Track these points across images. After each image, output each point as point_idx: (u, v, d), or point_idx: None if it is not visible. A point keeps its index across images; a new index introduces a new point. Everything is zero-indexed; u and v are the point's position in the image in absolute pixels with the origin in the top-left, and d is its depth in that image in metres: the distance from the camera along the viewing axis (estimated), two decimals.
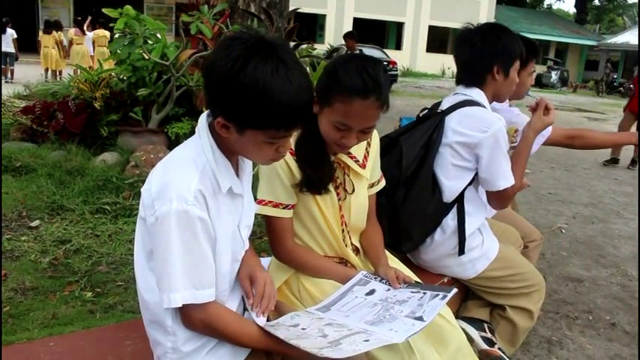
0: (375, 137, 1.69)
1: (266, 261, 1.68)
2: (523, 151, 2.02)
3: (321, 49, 12.30)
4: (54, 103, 5.09)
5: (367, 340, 1.21)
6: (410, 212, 1.93)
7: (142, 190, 1.17)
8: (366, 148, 1.64)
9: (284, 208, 1.52)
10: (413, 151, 1.93)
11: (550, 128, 2.27)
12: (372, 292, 1.50)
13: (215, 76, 1.06)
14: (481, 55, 1.92)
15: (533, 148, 2.21)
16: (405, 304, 1.42)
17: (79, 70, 5.78)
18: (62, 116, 4.81)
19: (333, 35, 24.08)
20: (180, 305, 1.11)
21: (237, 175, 1.23)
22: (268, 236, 1.59)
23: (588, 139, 2.42)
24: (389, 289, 1.51)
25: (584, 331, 2.74)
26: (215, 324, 1.17)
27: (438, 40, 28.18)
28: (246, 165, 1.29)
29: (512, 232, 2.33)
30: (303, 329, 1.24)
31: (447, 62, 26.01)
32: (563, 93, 24.18)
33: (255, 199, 1.47)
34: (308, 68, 5.42)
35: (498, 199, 1.96)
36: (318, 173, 1.50)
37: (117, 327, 1.79)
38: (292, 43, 5.14)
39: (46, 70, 13.09)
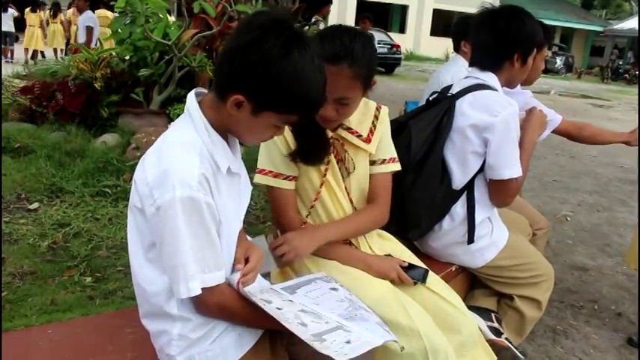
0: (385, 114, 1.65)
1: (258, 241, 1.61)
2: (528, 145, 1.95)
3: None
4: (53, 83, 5.03)
5: (349, 342, 1.14)
6: (418, 199, 1.87)
7: (134, 178, 1.12)
8: (373, 122, 1.61)
9: (284, 179, 1.52)
10: (422, 135, 1.87)
11: (560, 118, 2.28)
12: (335, 289, 1.42)
13: (254, 58, 1.04)
14: (504, 41, 1.84)
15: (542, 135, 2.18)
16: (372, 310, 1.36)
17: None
18: (62, 96, 4.75)
19: (336, 17, 23.78)
20: (200, 292, 1.09)
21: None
22: (271, 208, 1.58)
23: (595, 135, 2.45)
24: (351, 294, 1.42)
25: (590, 321, 2.71)
26: (230, 305, 1.17)
27: (442, 23, 27.80)
28: (236, 142, 1.25)
29: (522, 221, 2.28)
30: (279, 309, 1.19)
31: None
32: (567, 79, 23.99)
33: (256, 169, 1.50)
34: None
35: (501, 191, 1.87)
36: (312, 145, 1.49)
37: (117, 314, 1.76)
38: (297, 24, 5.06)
39: (26, 50, 12.66)
